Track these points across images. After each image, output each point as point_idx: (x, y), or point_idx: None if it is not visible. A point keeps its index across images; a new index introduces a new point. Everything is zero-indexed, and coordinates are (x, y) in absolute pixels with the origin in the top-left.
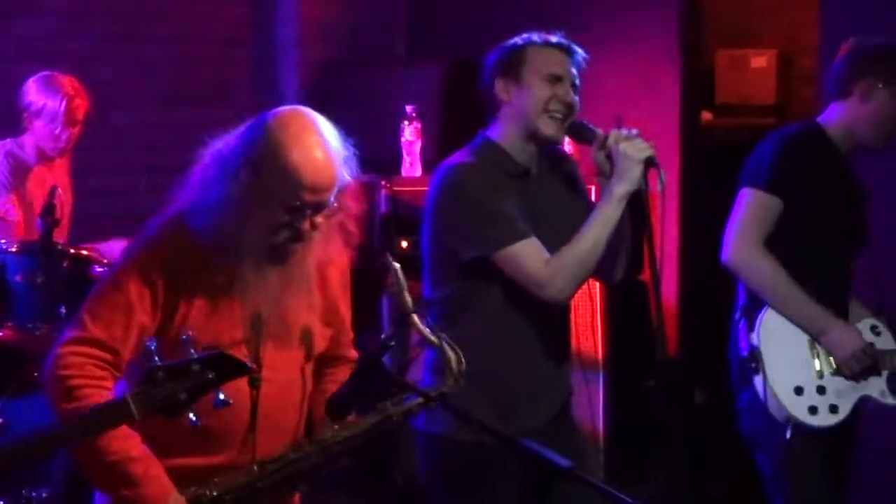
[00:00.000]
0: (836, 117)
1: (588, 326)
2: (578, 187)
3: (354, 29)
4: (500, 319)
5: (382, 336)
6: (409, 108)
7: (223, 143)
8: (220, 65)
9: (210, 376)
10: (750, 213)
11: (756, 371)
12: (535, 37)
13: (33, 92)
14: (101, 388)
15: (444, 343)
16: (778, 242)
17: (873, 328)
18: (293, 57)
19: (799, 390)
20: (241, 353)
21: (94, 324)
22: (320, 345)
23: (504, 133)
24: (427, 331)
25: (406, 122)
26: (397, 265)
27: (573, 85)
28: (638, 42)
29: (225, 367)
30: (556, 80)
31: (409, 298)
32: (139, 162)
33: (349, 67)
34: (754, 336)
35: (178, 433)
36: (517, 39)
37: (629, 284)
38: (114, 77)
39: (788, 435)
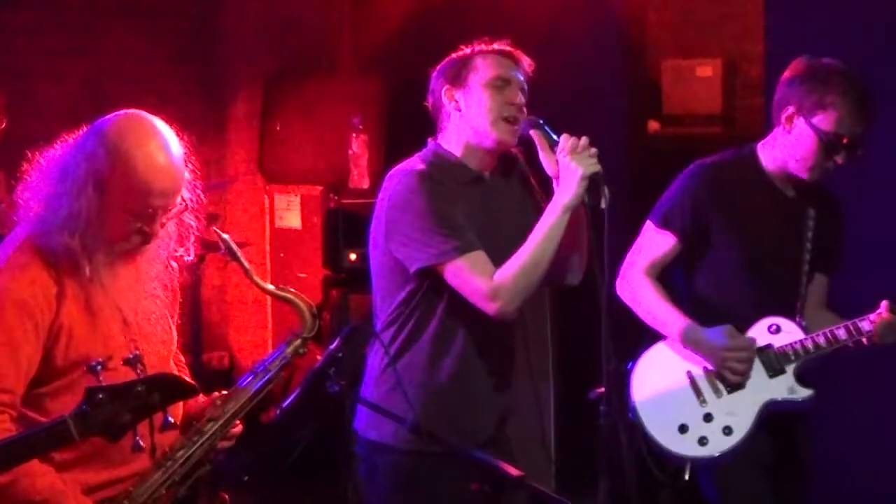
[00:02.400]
0: (770, 144)
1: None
2: (530, 189)
3: (300, 42)
4: (450, 328)
5: (330, 348)
6: (356, 121)
7: (61, 155)
8: (166, 79)
9: (155, 398)
10: (641, 244)
11: (641, 426)
12: (481, 46)
13: None
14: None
15: (289, 294)
16: (690, 273)
17: (770, 327)
18: (239, 71)
19: (683, 428)
20: (127, 357)
21: None
22: (175, 336)
23: (455, 141)
24: (270, 287)
25: (354, 135)
26: (226, 235)
27: (521, 88)
28: (583, 53)
29: (170, 388)
30: (503, 83)
31: (245, 261)
32: None
33: (295, 81)
34: (632, 395)
35: (85, 450)
36: (463, 50)
37: (578, 294)
38: (58, 93)
39: (686, 476)
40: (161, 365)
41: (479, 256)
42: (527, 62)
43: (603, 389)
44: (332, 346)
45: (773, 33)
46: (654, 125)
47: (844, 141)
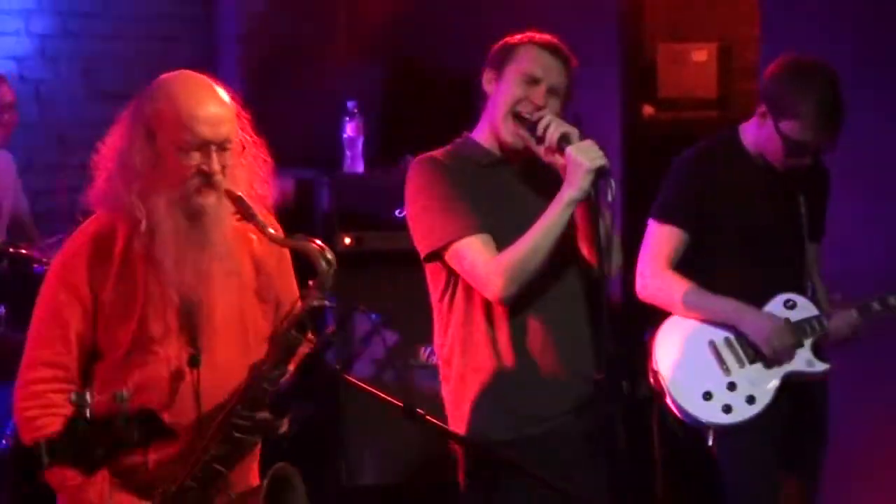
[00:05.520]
0: (749, 130)
1: None
2: (557, 180)
3: (295, 24)
4: (498, 314)
5: (325, 330)
6: (350, 104)
7: (116, 137)
8: (160, 61)
9: (133, 436)
10: (650, 245)
11: (663, 392)
12: (535, 37)
13: None
14: (55, 416)
15: (301, 241)
16: (694, 260)
17: (786, 302)
18: (234, 52)
19: (707, 395)
20: (177, 342)
21: (35, 346)
22: (261, 324)
23: (482, 126)
24: (281, 237)
25: (348, 118)
26: (238, 192)
27: (551, 90)
28: (578, 37)
29: (153, 427)
30: (533, 81)
31: (260, 217)
32: (79, 160)
33: (290, 63)
34: (653, 361)
35: None
36: (519, 35)
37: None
38: (53, 75)
39: (710, 441)
40: (225, 370)
41: (480, 239)
42: (573, 63)
43: (602, 375)
44: (328, 330)
45: (768, 16)
46: (648, 109)
47: (809, 147)
